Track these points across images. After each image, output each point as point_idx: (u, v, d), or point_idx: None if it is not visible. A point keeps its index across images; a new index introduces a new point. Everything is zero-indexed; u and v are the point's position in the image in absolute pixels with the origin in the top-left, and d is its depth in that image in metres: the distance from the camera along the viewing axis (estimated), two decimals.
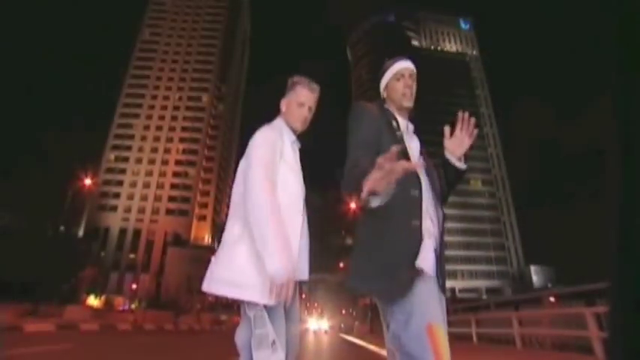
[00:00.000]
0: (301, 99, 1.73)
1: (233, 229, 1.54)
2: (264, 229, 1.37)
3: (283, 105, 1.78)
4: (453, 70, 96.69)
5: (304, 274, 1.57)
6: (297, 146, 1.75)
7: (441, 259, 1.42)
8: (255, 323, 1.43)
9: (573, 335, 6.48)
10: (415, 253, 1.31)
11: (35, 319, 12.89)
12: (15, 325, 8.77)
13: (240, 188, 1.56)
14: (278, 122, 1.75)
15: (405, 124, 1.57)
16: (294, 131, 1.75)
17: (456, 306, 13.94)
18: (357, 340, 16.60)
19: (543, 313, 7.62)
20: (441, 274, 1.42)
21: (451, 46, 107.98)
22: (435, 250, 1.43)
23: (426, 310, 1.24)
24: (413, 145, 1.53)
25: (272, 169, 1.51)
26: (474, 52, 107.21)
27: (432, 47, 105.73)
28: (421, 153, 1.57)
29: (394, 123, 1.52)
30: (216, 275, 1.51)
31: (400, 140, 1.45)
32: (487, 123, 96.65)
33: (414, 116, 1.61)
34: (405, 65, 1.64)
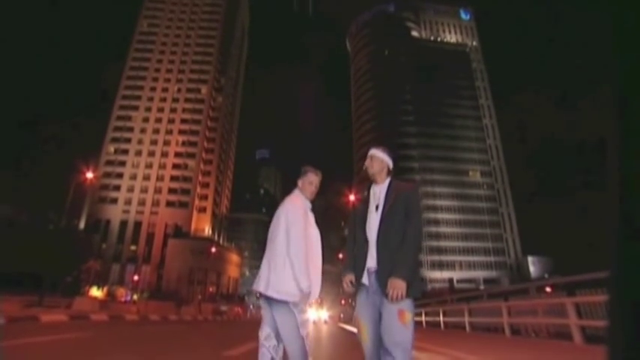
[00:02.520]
0: (310, 180, 2.78)
1: (279, 260, 2.54)
2: (301, 265, 2.45)
3: (299, 183, 2.81)
4: (453, 61, 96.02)
5: (317, 291, 2.64)
6: (310, 212, 2.78)
7: (379, 273, 2.17)
8: (296, 310, 2.47)
9: (561, 323, 6.83)
10: (360, 270, 2.27)
11: (45, 310, 13.31)
12: (32, 316, 9.22)
13: (281, 234, 2.56)
14: (298, 194, 2.77)
15: (377, 189, 2.40)
16: (307, 199, 2.79)
17: (452, 296, 14.36)
18: (356, 330, 17.05)
19: (529, 303, 8.02)
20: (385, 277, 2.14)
21: (451, 37, 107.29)
22: (369, 268, 2.23)
23: (357, 309, 2.26)
24: (379, 203, 2.32)
25: (303, 230, 2.56)
26: (474, 43, 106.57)
27: (432, 38, 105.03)
28: (386, 202, 2.28)
29: (365, 193, 2.47)
30: (275, 287, 2.51)
31: (363, 210, 2.39)
32: (486, 114, 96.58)
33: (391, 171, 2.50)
34: (368, 154, 2.50)
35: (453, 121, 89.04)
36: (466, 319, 10.45)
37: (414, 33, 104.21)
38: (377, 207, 2.29)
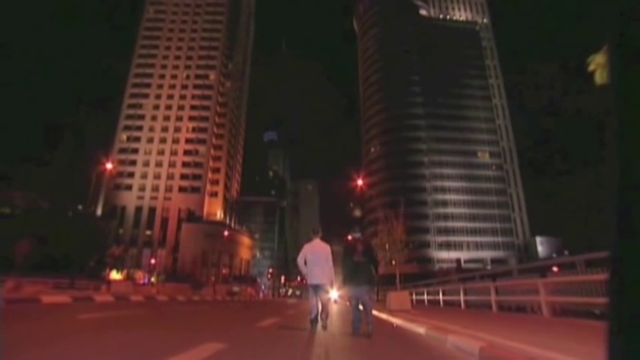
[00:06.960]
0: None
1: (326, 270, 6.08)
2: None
3: (319, 236, 6.23)
4: (462, 39, 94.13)
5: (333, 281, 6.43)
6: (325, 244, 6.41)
7: (358, 280, 5.49)
8: (326, 289, 6.12)
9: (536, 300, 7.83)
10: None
11: (78, 292, 14.83)
12: (88, 296, 10.71)
13: (324, 258, 5.92)
14: (320, 241, 6.15)
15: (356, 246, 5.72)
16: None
17: (453, 277, 15.46)
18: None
19: (512, 283, 9.06)
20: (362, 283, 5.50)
21: (461, 14, 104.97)
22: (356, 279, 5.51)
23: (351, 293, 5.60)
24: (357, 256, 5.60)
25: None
26: (485, 20, 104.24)
27: (441, 16, 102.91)
28: (363, 253, 5.54)
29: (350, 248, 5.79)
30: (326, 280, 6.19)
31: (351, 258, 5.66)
32: (496, 94, 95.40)
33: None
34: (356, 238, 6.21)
35: (462, 102, 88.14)
36: (461, 297, 11.55)
37: (423, 11, 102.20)
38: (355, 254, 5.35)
